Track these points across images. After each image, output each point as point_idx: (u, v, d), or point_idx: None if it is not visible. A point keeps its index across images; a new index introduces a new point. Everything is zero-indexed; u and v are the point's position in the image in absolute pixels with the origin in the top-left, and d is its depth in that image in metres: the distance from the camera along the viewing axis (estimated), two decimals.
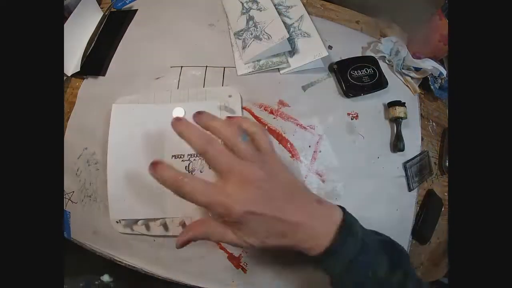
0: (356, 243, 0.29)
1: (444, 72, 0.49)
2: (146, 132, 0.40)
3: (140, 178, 0.39)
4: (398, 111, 0.45)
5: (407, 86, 0.51)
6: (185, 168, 0.39)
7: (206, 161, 0.28)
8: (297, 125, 0.43)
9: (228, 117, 0.31)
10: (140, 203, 0.39)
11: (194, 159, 0.39)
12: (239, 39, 0.46)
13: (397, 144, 0.45)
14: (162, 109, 0.41)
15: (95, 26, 0.48)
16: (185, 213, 0.38)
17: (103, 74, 0.46)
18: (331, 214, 0.30)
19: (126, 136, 0.40)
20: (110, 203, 0.39)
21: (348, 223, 0.30)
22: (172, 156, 0.39)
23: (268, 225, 0.27)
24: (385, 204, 0.44)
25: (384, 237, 0.33)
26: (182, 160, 0.39)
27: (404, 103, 0.46)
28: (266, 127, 0.42)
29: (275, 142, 0.42)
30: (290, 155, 0.42)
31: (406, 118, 0.46)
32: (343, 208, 0.31)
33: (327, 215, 0.30)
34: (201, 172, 0.39)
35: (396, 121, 0.46)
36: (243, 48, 0.45)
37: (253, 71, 0.44)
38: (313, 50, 0.45)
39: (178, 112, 0.41)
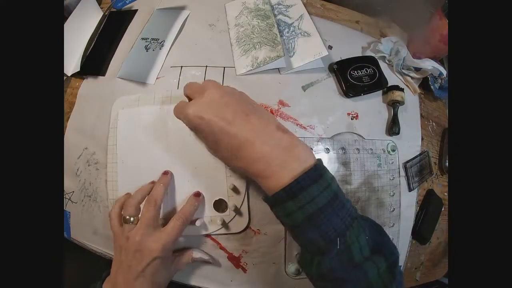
0: (325, 194, 0.26)
1: (444, 72, 0.49)
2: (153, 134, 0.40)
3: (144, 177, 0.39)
4: (396, 94, 0.46)
5: (407, 86, 0.51)
6: None
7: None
8: (297, 125, 0.43)
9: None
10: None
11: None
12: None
13: (392, 128, 0.46)
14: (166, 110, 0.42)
15: (95, 26, 0.48)
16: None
17: (103, 74, 0.46)
18: (298, 151, 0.28)
19: (133, 140, 0.41)
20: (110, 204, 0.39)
21: (319, 170, 0.27)
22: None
23: (215, 136, 0.29)
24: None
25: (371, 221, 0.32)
26: None
27: (403, 88, 0.47)
28: None
29: None
30: None
31: (403, 103, 0.47)
32: (319, 160, 0.29)
33: (291, 147, 0.28)
34: None
35: (393, 105, 0.47)
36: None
37: (251, 70, 0.44)
38: (313, 49, 0.45)
39: None
